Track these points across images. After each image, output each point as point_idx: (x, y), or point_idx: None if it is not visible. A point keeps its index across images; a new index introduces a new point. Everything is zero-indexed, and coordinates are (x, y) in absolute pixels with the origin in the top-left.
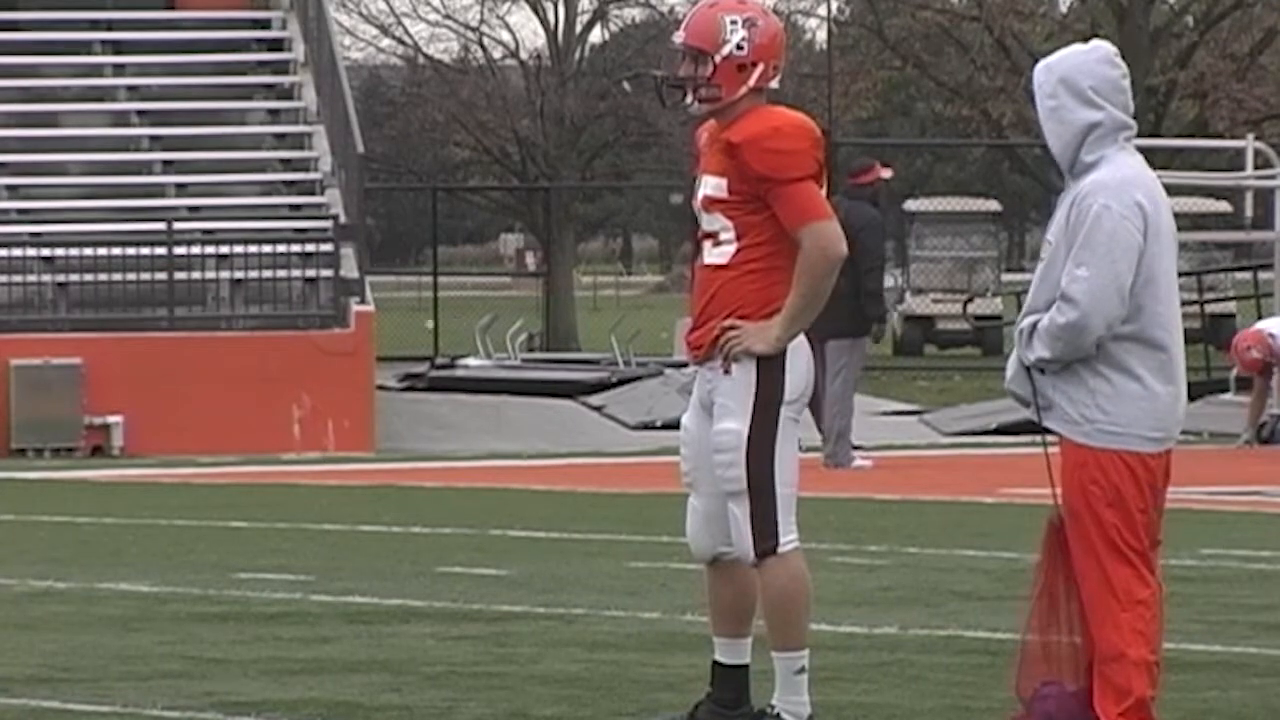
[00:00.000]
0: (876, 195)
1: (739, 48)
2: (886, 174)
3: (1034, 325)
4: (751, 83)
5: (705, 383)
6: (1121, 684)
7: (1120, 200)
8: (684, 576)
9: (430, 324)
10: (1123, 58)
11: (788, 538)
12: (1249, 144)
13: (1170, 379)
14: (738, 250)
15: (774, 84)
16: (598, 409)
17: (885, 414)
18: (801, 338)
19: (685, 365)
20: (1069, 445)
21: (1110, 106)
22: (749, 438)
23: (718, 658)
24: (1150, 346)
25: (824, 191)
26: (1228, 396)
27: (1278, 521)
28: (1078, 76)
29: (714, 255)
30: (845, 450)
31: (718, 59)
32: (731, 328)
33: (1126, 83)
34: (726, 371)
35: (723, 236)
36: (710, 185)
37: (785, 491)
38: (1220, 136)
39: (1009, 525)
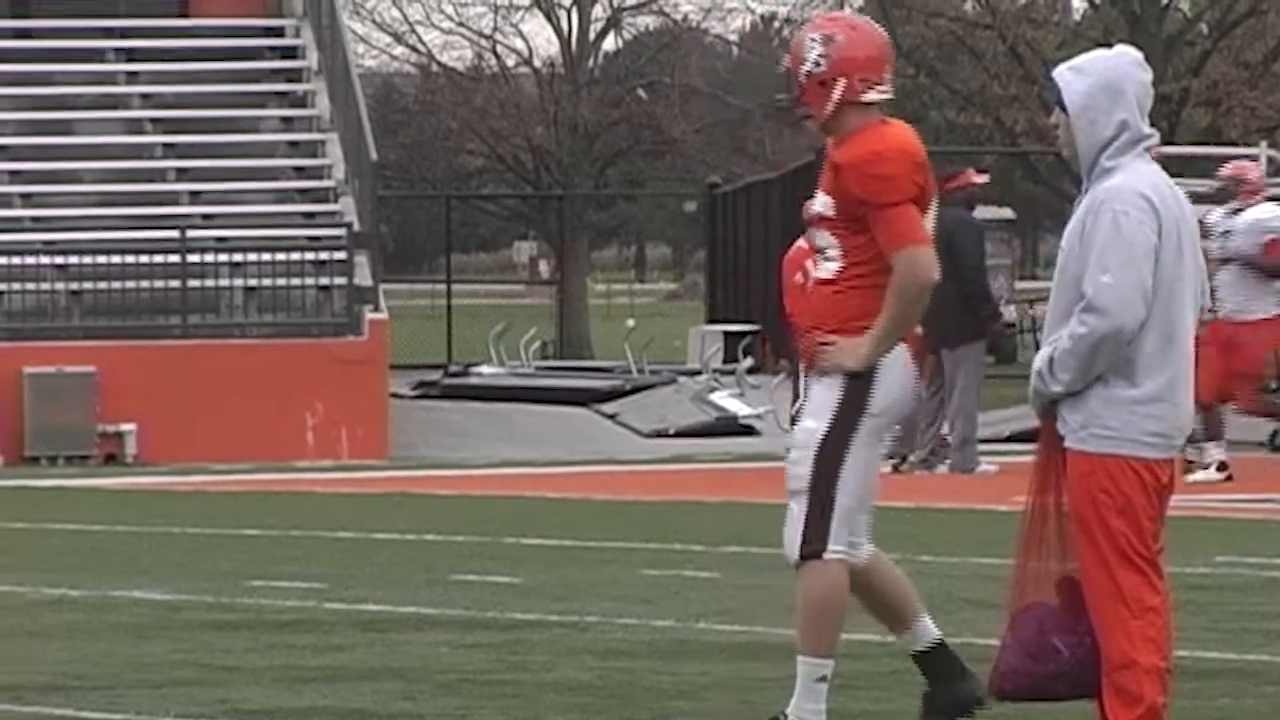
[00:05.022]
0: (971, 200)
1: (816, 65)
2: (979, 179)
3: (1051, 358)
4: (836, 97)
5: (806, 388)
6: (1134, 691)
7: (1135, 204)
8: (697, 584)
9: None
10: None
11: (835, 547)
12: (1262, 151)
13: (1173, 383)
14: (842, 268)
15: (874, 95)
16: (611, 417)
17: None
18: (902, 354)
19: (699, 374)
20: (1074, 454)
21: (1139, 112)
22: (823, 439)
23: (911, 650)
24: (1151, 350)
25: (926, 214)
26: None
27: None
28: (1118, 79)
29: (820, 270)
30: (971, 455)
31: (801, 77)
32: (825, 343)
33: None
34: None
35: (829, 253)
36: (820, 202)
37: (846, 502)
38: (1233, 144)
39: None
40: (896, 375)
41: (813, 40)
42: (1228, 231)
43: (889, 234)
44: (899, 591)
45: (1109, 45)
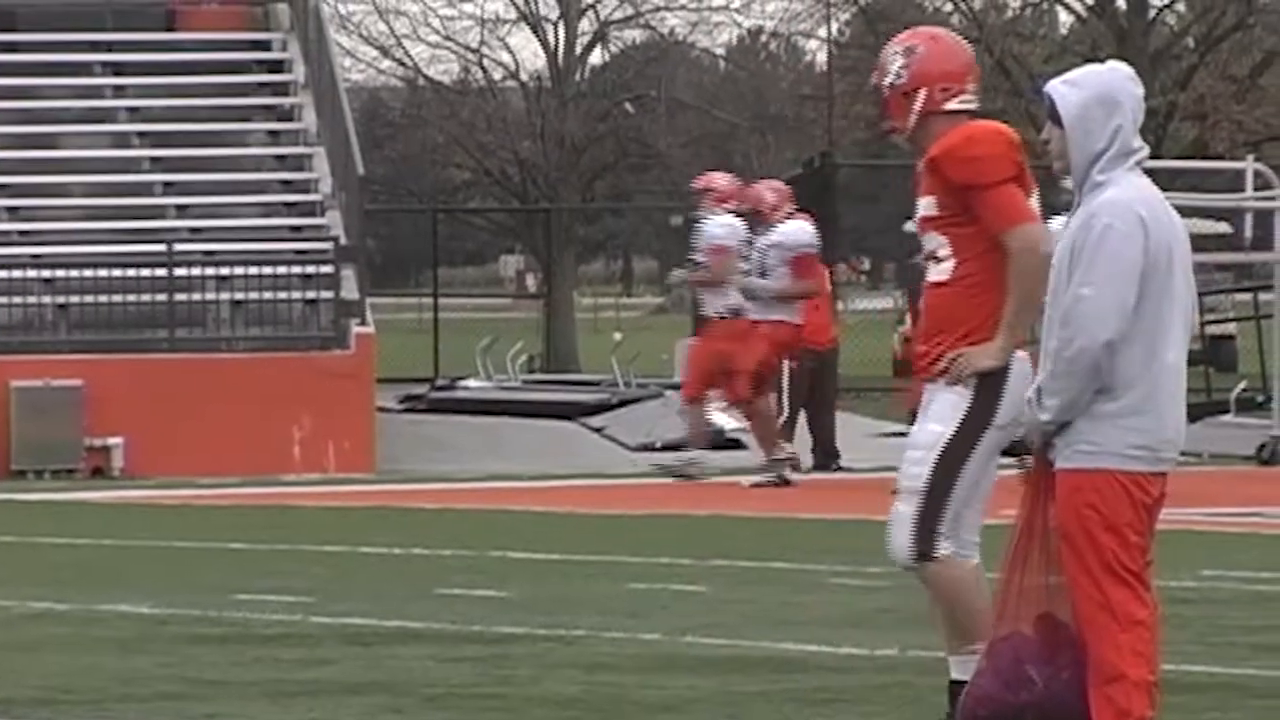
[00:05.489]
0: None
1: (898, 76)
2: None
3: (1039, 387)
4: (917, 108)
5: (928, 395)
6: (1122, 705)
7: (1124, 219)
8: (684, 598)
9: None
10: None
11: (943, 546)
12: (1249, 165)
13: (1154, 396)
14: (956, 265)
15: (956, 105)
16: (598, 430)
17: (883, 435)
18: (1025, 364)
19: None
20: (1061, 471)
21: (1132, 126)
22: (947, 443)
23: (953, 677)
24: (1132, 364)
25: (1029, 196)
26: (1228, 418)
27: (1277, 543)
28: (1113, 92)
29: (935, 273)
30: None
31: (885, 90)
32: (957, 357)
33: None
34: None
35: (940, 254)
36: (923, 206)
37: (957, 508)
38: (1220, 158)
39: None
40: (1022, 384)
41: (895, 53)
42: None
43: (996, 215)
44: (964, 610)
45: (1096, 59)
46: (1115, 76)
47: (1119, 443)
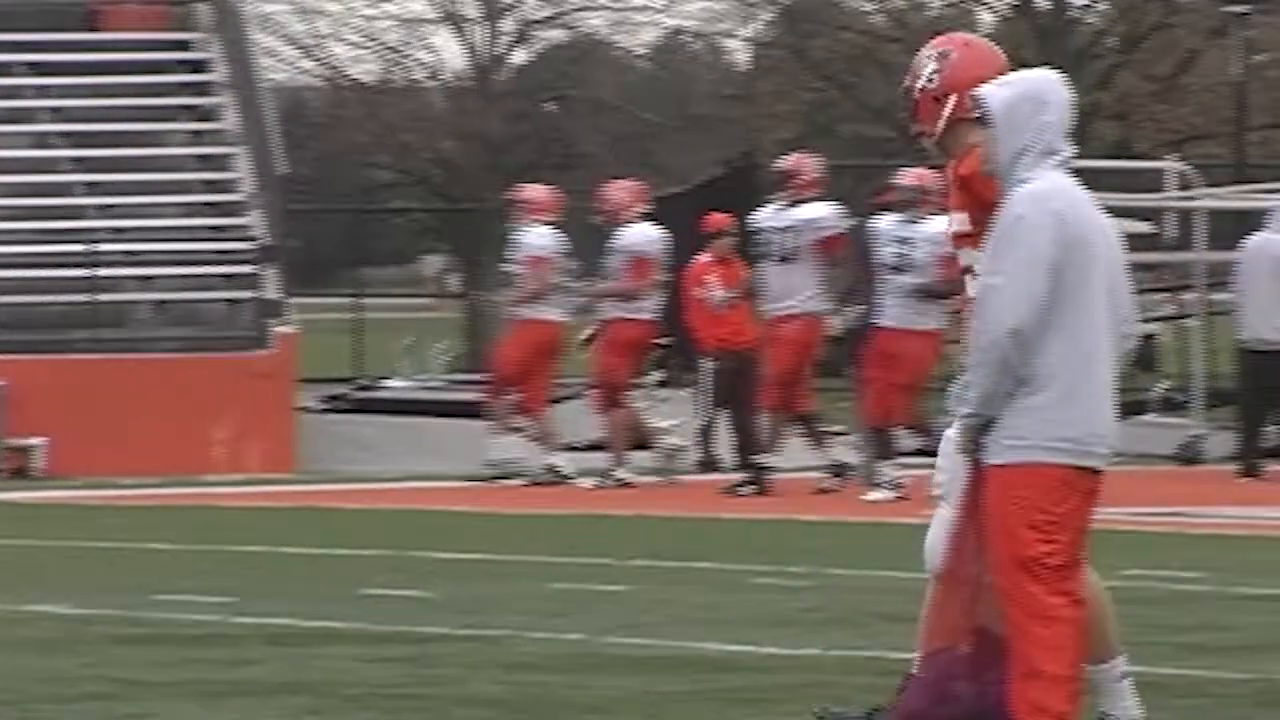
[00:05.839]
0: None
1: (930, 80)
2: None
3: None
4: (947, 113)
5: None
6: (1038, 700)
7: (1037, 209)
8: (607, 598)
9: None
10: None
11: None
12: (1170, 165)
13: (1080, 389)
14: None
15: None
16: (519, 430)
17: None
18: None
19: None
20: (991, 466)
21: (1059, 128)
22: None
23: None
24: (1057, 357)
25: None
26: (1149, 418)
27: (1200, 542)
28: (1041, 92)
29: (972, 289)
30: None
31: (916, 93)
32: None
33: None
34: None
35: (977, 269)
36: (956, 221)
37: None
38: (1142, 157)
39: None
40: None
41: (928, 57)
42: (905, 239)
43: None
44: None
45: (1018, 58)
46: (1045, 78)
47: (1045, 436)
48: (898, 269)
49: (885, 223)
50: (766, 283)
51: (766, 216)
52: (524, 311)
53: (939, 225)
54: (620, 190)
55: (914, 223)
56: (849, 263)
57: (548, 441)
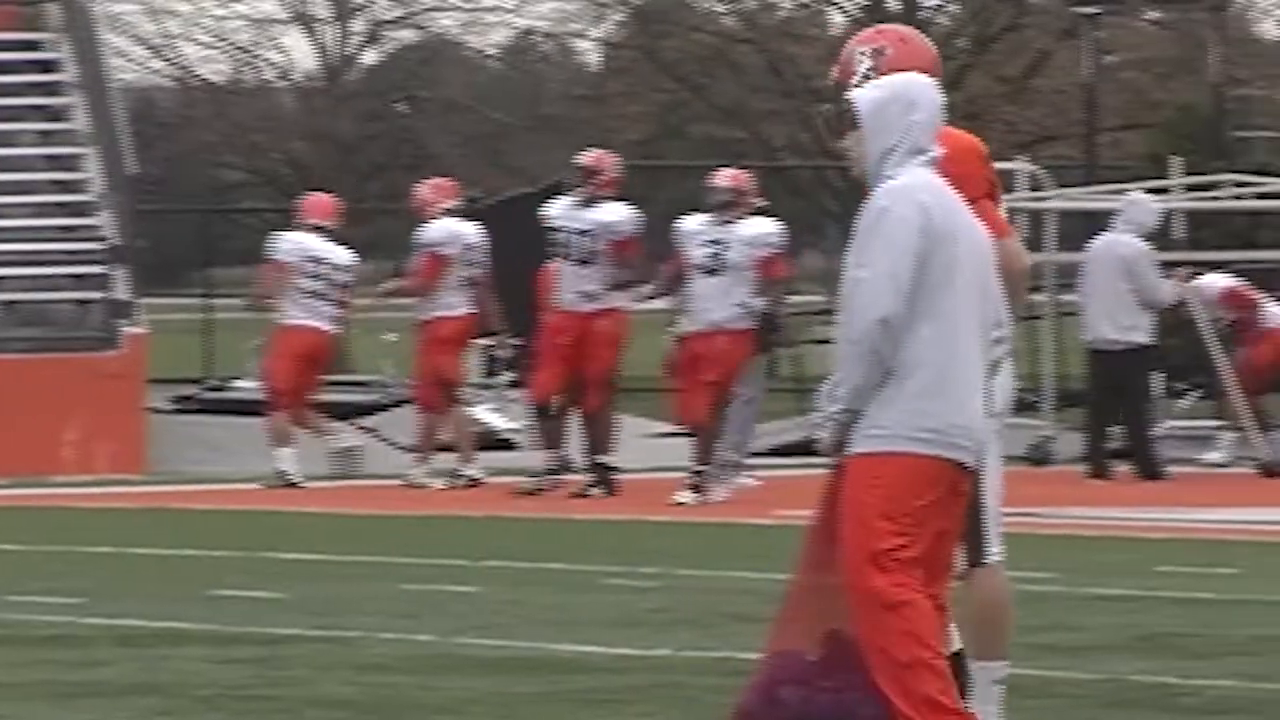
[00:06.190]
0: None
1: (865, 78)
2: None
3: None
4: None
5: None
6: (911, 689)
7: (902, 201)
8: (458, 599)
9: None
10: None
11: (995, 548)
12: (1021, 166)
13: (945, 380)
14: None
15: None
16: (370, 431)
17: (657, 435)
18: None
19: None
20: (852, 456)
21: (928, 130)
22: None
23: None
24: (921, 348)
25: (999, 207)
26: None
27: (1050, 543)
28: (911, 94)
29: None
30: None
31: (850, 90)
32: None
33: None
34: None
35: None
36: None
37: (992, 503)
38: (993, 159)
39: (783, 547)
40: (1006, 374)
41: (862, 53)
42: (718, 240)
43: None
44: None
45: None
46: (915, 80)
47: (908, 426)
48: (712, 270)
49: (696, 223)
50: (567, 283)
51: (563, 214)
52: (286, 319)
53: (755, 227)
54: (426, 187)
55: (728, 224)
56: (641, 266)
57: (282, 442)
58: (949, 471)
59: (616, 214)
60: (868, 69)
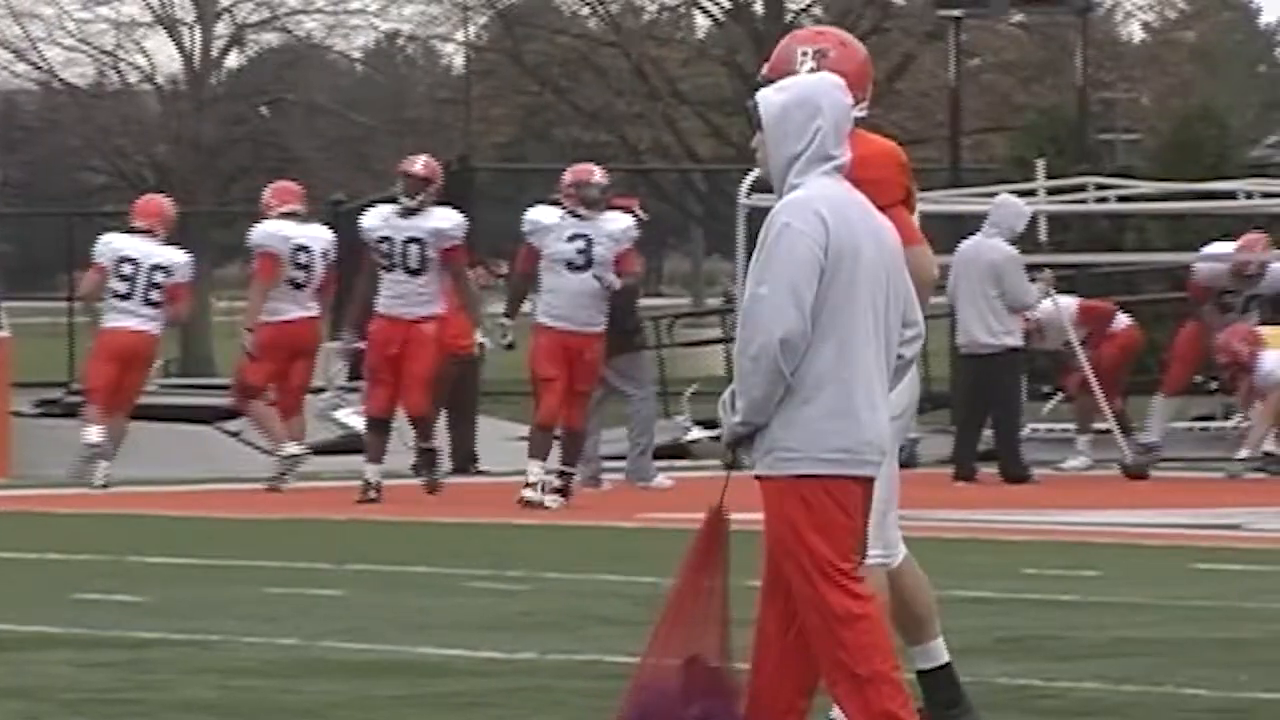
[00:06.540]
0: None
1: None
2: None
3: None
4: None
5: None
6: (863, 702)
7: (802, 217)
8: (322, 602)
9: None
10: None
11: (873, 552)
12: None
13: (850, 397)
14: None
15: (860, 112)
16: (234, 435)
17: (522, 439)
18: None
19: (323, 390)
20: (764, 481)
21: (834, 133)
22: None
23: (918, 668)
24: (824, 366)
25: (913, 215)
26: None
27: (915, 545)
28: (815, 97)
29: None
30: (648, 466)
31: None
32: None
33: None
34: None
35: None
36: None
37: (880, 507)
38: None
39: (648, 550)
40: (913, 378)
41: (804, 54)
42: (582, 236)
43: None
44: (926, 603)
45: (734, 63)
46: (821, 83)
47: (818, 446)
48: (578, 267)
49: (557, 217)
50: (398, 290)
51: (387, 224)
52: (104, 321)
53: (619, 222)
54: (269, 190)
55: (593, 220)
56: (465, 273)
57: (104, 451)
58: (860, 486)
59: (448, 219)
60: (810, 70)
